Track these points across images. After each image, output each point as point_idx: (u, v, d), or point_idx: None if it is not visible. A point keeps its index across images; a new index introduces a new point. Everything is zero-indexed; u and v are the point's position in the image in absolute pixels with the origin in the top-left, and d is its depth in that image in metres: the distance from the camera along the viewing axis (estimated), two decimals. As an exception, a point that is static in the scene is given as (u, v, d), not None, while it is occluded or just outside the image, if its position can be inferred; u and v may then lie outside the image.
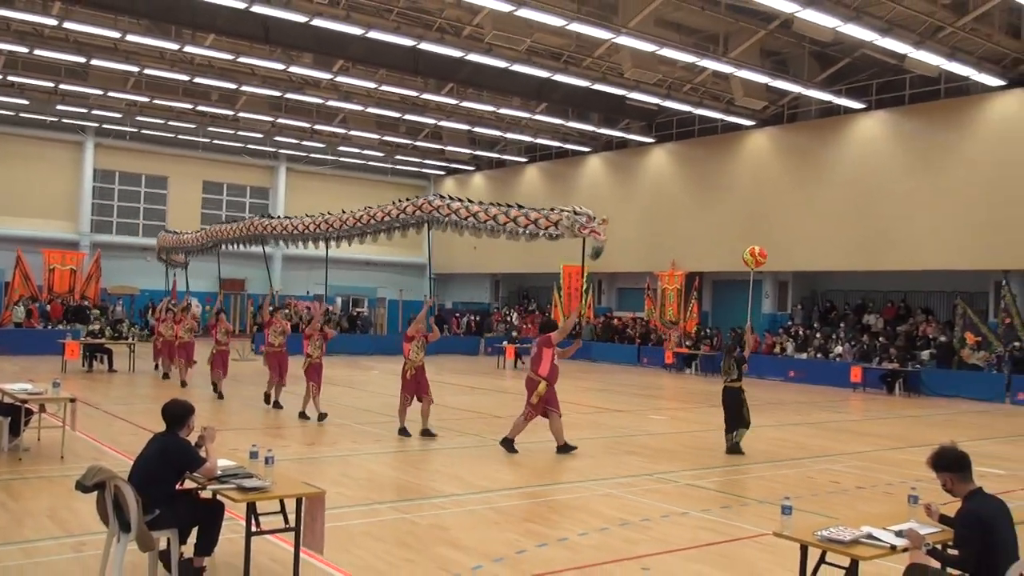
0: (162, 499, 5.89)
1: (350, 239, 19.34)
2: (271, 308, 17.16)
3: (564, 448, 12.06)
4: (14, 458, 10.31)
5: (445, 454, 12.00)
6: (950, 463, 5.13)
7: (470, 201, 16.38)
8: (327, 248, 20.68)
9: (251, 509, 5.68)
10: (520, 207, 15.11)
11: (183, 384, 18.41)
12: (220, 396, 16.89)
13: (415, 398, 13.11)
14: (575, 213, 13.83)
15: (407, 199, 17.61)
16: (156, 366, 21.43)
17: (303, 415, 14.53)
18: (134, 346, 23.43)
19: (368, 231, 18.43)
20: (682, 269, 30.91)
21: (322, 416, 14.24)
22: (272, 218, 22.87)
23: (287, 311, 34.23)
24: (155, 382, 19.99)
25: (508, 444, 12.11)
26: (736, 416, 12.55)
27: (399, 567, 6.69)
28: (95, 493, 5.97)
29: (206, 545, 6.03)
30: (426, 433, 12.94)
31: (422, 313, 14.12)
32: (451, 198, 16.67)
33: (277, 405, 15.55)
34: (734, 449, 12.54)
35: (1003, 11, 22.09)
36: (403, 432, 13.05)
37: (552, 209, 14.26)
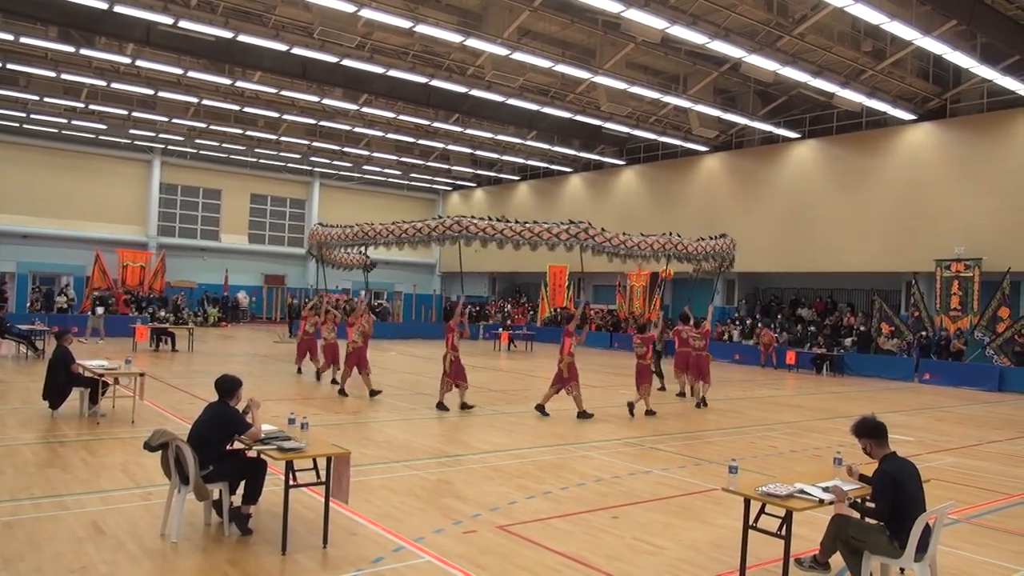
0: (215, 457, 5.90)
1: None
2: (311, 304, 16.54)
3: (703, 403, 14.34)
4: (93, 422, 10.31)
5: (449, 422, 11.94)
6: (869, 430, 5.13)
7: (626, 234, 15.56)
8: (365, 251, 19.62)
9: (289, 466, 5.66)
10: (701, 239, 16.80)
11: (342, 392, 14.02)
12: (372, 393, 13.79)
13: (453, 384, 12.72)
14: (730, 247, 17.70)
15: (710, 237, 16.89)
16: (299, 369, 16.98)
17: (343, 392, 13.96)
18: (192, 330, 23.32)
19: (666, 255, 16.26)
20: (647, 269, 30.86)
21: (373, 393, 13.69)
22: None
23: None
24: (210, 360, 19.27)
25: (703, 402, 14.43)
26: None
27: (411, 514, 6.68)
28: (160, 452, 5.98)
29: (252, 495, 6.05)
30: (464, 406, 12.68)
31: (458, 310, 13.44)
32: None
33: (374, 393, 13.77)
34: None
35: (915, 58, 22.10)
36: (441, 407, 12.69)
37: (725, 237, 17.61)
